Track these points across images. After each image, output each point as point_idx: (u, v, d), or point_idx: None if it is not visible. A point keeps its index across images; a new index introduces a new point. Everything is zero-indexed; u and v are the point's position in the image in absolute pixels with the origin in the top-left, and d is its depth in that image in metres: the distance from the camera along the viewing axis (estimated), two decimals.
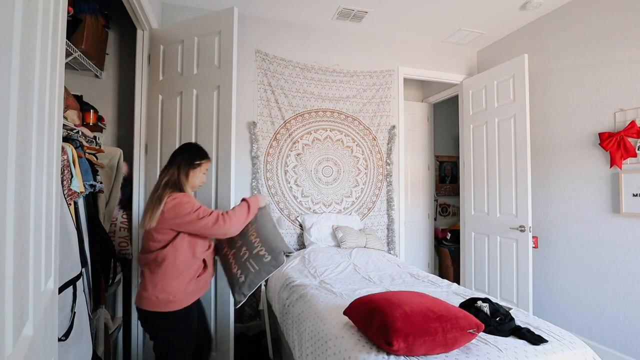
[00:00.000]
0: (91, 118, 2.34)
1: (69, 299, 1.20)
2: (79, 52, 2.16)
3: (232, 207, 2.16)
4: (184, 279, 1.54)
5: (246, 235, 1.72)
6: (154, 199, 1.53)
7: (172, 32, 2.46)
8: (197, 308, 1.68)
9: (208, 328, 1.90)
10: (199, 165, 1.66)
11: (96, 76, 2.63)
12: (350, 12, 3.07)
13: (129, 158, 2.51)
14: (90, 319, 1.43)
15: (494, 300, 1.68)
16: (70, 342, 1.16)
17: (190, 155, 1.65)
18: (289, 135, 3.18)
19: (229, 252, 1.74)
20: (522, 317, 1.65)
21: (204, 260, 1.67)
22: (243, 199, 1.71)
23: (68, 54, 2.08)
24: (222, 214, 1.55)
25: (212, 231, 1.52)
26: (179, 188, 1.58)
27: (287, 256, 1.71)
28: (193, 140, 2.32)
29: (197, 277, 1.61)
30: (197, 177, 1.67)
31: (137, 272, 2.46)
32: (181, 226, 1.50)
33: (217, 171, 2.23)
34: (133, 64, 2.57)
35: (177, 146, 2.35)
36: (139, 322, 1.58)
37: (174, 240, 1.52)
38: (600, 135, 2.54)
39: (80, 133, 1.77)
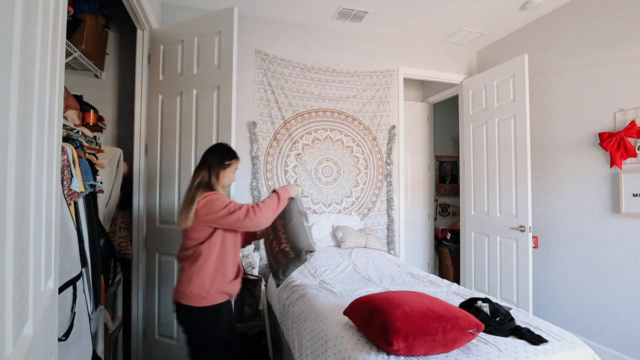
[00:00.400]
0: (91, 118, 2.34)
1: (69, 299, 1.20)
2: (79, 52, 2.16)
3: None
4: (216, 277, 1.60)
5: (275, 230, 1.79)
6: (188, 200, 1.59)
7: (172, 32, 2.46)
8: (228, 312, 1.69)
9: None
10: (229, 165, 1.72)
11: (96, 76, 2.63)
12: (350, 12, 3.07)
13: (129, 158, 2.51)
14: (90, 319, 1.43)
15: (494, 300, 1.68)
16: (70, 342, 1.16)
17: (220, 156, 1.71)
18: (289, 135, 3.18)
19: (266, 240, 1.86)
20: (522, 317, 1.65)
21: (238, 267, 1.74)
22: (274, 190, 1.73)
23: (68, 54, 2.08)
24: (252, 206, 1.58)
25: (243, 224, 1.55)
26: (211, 188, 1.63)
27: (310, 253, 1.74)
28: (193, 141, 2.32)
29: (230, 281, 1.65)
30: (227, 176, 1.73)
31: (137, 272, 2.47)
32: (214, 222, 1.56)
33: None
34: (133, 64, 2.57)
35: (177, 146, 2.37)
36: (175, 315, 1.65)
37: (210, 237, 1.58)
38: (600, 135, 2.54)
39: (80, 133, 1.77)
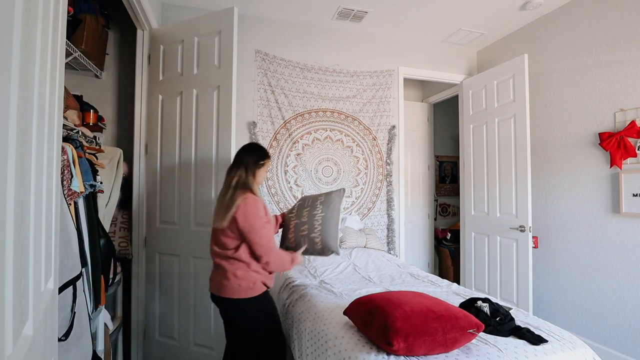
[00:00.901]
0: (91, 118, 2.33)
1: (69, 299, 1.20)
2: (79, 52, 2.15)
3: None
4: (260, 271, 1.68)
5: (313, 218, 1.87)
6: (227, 200, 1.64)
7: (172, 32, 2.46)
8: (270, 298, 1.80)
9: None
10: (263, 164, 1.77)
11: (96, 76, 2.63)
12: (350, 12, 3.07)
13: (129, 158, 2.51)
14: (90, 319, 1.43)
15: (494, 300, 1.68)
16: (70, 342, 1.16)
17: (256, 156, 1.75)
18: (289, 135, 3.18)
19: (295, 219, 1.93)
20: (522, 317, 1.65)
21: None
22: (292, 252, 1.81)
23: (68, 54, 2.08)
24: (274, 252, 1.68)
25: (257, 251, 1.64)
26: (248, 187, 1.68)
27: (333, 253, 1.88)
28: (193, 141, 2.32)
29: (269, 273, 1.74)
30: (262, 175, 1.79)
31: (137, 272, 2.47)
32: (242, 230, 1.62)
33: (217, 172, 2.23)
34: (133, 64, 2.57)
35: (177, 146, 2.37)
36: (220, 310, 1.74)
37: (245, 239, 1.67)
38: (600, 135, 2.54)
39: (80, 133, 1.77)
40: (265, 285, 1.71)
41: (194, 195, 2.30)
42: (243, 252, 1.64)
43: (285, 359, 1.77)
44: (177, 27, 2.45)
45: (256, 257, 1.65)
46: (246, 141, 3.05)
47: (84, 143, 1.79)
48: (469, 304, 1.62)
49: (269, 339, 1.71)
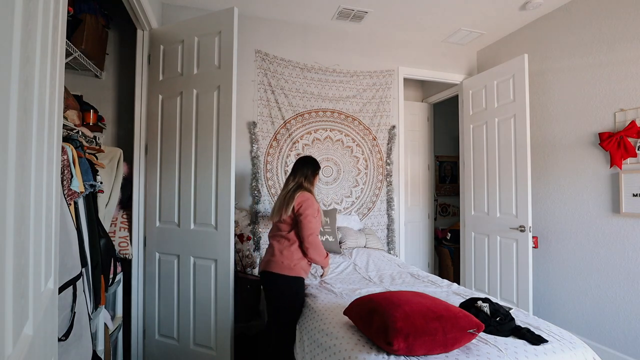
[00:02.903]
0: (91, 118, 2.33)
1: (69, 299, 1.20)
2: (79, 52, 2.15)
3: (232, 208, 2.18)
4: (300, 256, 2.00)
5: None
6: (287, 198, 2.01)
7: (173, 32, 2.46)
8: (303, 287, 2.05)
9: None
10: (317, 173, 2.18)
11: (96, 76, 2.63)
12: (350, 12, 3.07)
13: (129, 158, 2.51)
14: (90, 319, 1.43)
15: (494, 300, 1.68)
16: (70, 342, 1.16)
17: (314, 166, 2.16)
18: (289, 135, 3.18)
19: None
20: (522, 317, 1.65)
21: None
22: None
23: (68, 54, 2.08)
24: (316, 239, 2.02)
25: (304, 233, 1.97)
26: (307, 189, 2.07)
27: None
28: (193, 141, 2.31)
29: (308, 262, 2.05)
30: (316, 180, 2.21)
31: (137, 272, 2.47)
32: (298, 215, 1.98)
33: (217, 172, 2.22)
34: (133, 64, 2.57)
35: (177, 146, 2.37)
36: (262, 285, 2.05)
37: (296, 227, 2.02)
38: (600, 135, 2.54)
39: (80, 133, 1.77)
40: (304, 271, 1.99)
41: (193, 195, 2.30)
42: (292, 234, 2.00)
43: (291, 350, 1.87)
44: (178, 27, 2.45)
45: (301, 241, 1.98)
46: (246, 141, 3.06)
47: (84, 143, 1.79)
48: (469, 304, 1.62)
49: (285, 323, 1.90)
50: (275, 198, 3.09)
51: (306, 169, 2.12)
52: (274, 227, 2.11)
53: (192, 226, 2.29)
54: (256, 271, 2.75)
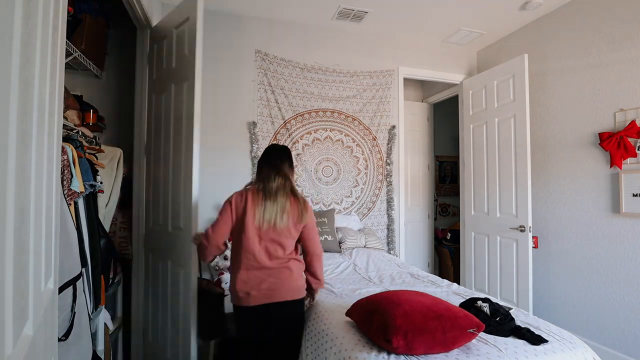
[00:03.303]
0: (91, 118, 2.33)
1: (69, 299, 1.20)
2: (79, 52, 2.15)
3: (194, 206, 1.98)
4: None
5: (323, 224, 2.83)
6: (289, 202, 1.62)
7: (161, 28, 2.37)
8: None
9: None
10: (293, 169, 1.80)
11: (96, 76, 2.63)
12: (350, 12, 3.07)
13: (129, 158, 2.51)
14: (90, 319, 1.43)
15: (494, 300, 1.68)
16: (70, 342, 1.16)
17: (290, 160, 1.74)
18: (289, 135, 3.18)
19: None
20: (522, 317, 1.65)
21: None
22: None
23: (68, 54, 2.08)
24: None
25: (318, 249, 1.75)
26: (295, 193, 1.69)
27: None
28: (170, 139, 2.19)
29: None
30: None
31: (137, 272, 2.47)
32: (308, 230, 1.69)
33: (184, 170, 2.03)
34: (133, 64, 2.56)
35: (162, 146, 2.22)
36: (285, 316, 1.65)
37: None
38: (600, 135, 2.54)
39: (80, 133, 1.77)
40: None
41: (171, 194, 2.16)
42: (297, 252, 1.71)
43: None
44: (164, 22, 2.34)
45: (309, 256, 1.73)
46: (246, 141, 3.05)
47: (84, 143, 1.79)
48: (469, 304, 1.62)
49: (299, 342, 1.73)
50: None
51: (286, 166, 1.70)
52: (272, 241, 1.60)
53: (169, 228, 2.16)
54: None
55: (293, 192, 1.66)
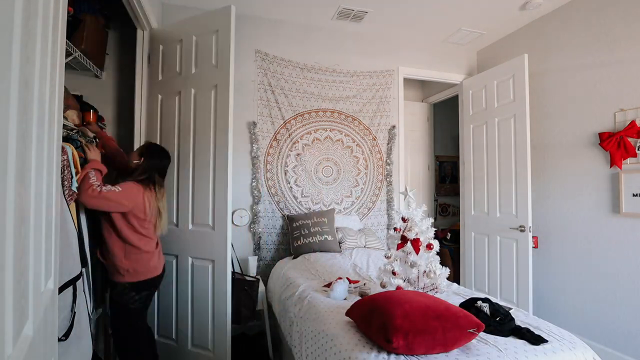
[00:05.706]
0: (91, 118, 2.33)
1: (69, 299, 1.20)
2: (79, 52, 2.15)
3: (229, 208, 2.16)
4: None
5: (322, 224, 2.88)
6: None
7: (171, 31, 2.45)
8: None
9: None
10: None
11: (96, 76, 2.63)
12: (350, 12, 3.07)
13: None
14: (90, 319, 1.43)
15: (494, 300, 1.67)
16: (70, 342, 1.16)
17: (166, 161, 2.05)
18: (289, 135, 3.18)
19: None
20: (522, 317, 1.65)
21: None
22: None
23: (68, 54, 2.08)
24: None
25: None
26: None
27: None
28: (191, 141, 2.29)
29: None
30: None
31: None
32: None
33: (214, 171, 2.19)
34: (133, 64, 2.56)
35: (176, 146, 2.33)
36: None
37: None
38: (600, 135, 2.54)
39: (80, 133, 1.77)
40: None
41: (191, 195, 2.27)
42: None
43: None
44: (176, 27, 2.44)
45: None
46: (246, 141, 3.05)
47: (84, 143, 1.79)
48: (469, 304, 1.62)
49: None
50: (276, 198, 3.10)
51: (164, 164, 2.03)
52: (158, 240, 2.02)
53: (190, 227, 2.29)
54: (254, 272, 2.74)
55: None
